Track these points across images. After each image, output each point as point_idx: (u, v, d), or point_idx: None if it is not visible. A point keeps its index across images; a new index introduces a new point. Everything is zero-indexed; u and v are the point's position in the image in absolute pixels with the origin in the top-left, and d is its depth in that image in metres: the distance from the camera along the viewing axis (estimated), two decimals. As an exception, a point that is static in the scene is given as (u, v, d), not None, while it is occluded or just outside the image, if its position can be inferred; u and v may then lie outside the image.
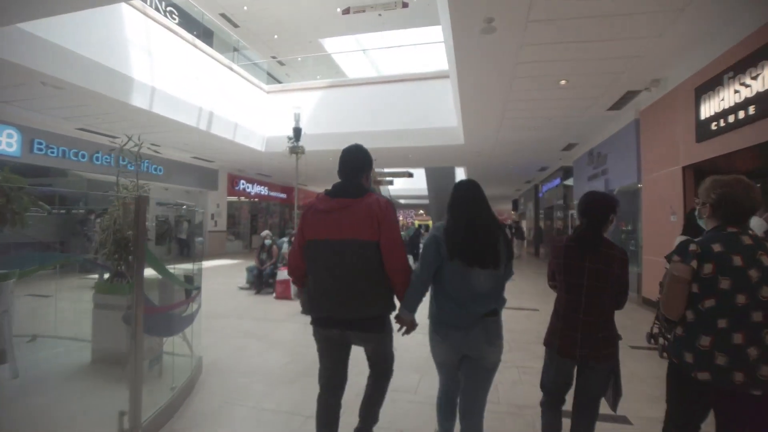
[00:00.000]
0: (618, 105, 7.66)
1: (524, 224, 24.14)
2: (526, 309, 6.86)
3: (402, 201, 33.49)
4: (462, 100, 7.92)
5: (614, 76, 6.30)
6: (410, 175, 15.39)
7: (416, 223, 32.15)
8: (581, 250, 2.15)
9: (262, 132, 12.90)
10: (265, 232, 8.21)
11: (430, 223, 28.01)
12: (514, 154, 12.81)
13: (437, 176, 18.91)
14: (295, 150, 8.11)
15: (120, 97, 8.01)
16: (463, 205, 2.09)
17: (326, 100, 12.41)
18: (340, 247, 1.98)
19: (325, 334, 2.12)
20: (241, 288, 8.18)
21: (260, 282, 7.70)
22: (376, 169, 16.94)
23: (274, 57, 18.62)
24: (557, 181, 14.45)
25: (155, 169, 13.24)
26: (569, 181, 13.64)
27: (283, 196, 22.32)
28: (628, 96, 7.18)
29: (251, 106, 12.40)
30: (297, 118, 8.19)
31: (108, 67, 7.59)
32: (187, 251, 15.75)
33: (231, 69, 11.45)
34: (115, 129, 10.40)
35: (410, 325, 2.17)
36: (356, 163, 2.19)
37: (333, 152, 13.09)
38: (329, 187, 2.17)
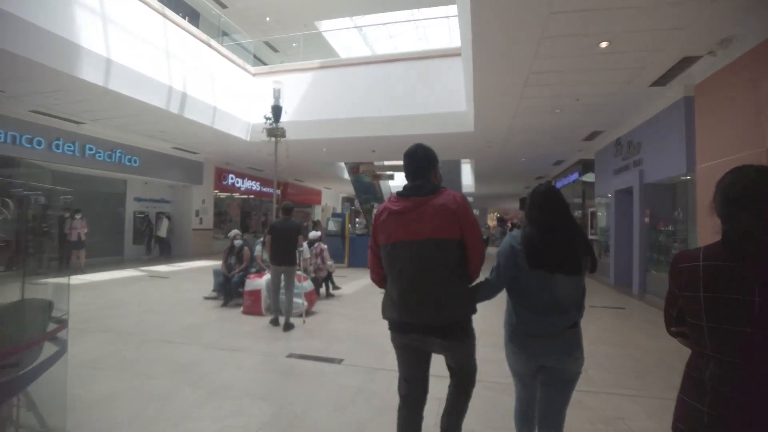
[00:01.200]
0: (664, 79, 6.29)
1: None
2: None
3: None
4: (476, 75, 6.59)
5: (669, 35, 4.94)
6: (412, 169, 14.16)
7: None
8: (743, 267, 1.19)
9: (247, 119, 11.56)
10: (234, 232, 6.88)
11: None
12: (528, 146, 11.45)
13: (442, 170, 17.49)
14: (274, 133, 6.78)
15: (66, 68, 6.71)
16: (544, 210, 1.94)
17: (318, 83, 11.06)
18: (417, 249, 1.92)
19: (403, 341, 2.04)
20: (207, 297, 6.86)
21: (228, 291, 6.37)
22: (375, 163, 15.57)
23: (266, 42, 17.29)
24: (574, 176, 13.07)
25: (129, 160, 11.93)
26: (588, 177, 12.27)
27: (278, 192, 20.95)
28: (682, 65, 5.82)
29: (234, 89, 11.07)
30: (277, 95, 6.86)
31: (48, 31, 6.28)
32: (168, 251, 14.49)
33: (209, 45, 10.11)
34: (76, 112, 9.11)
35: None
36: (421, 161, 2.11)
37: (326, 142, 11.85)
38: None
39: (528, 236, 1.91)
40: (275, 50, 17.12)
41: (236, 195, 19.48)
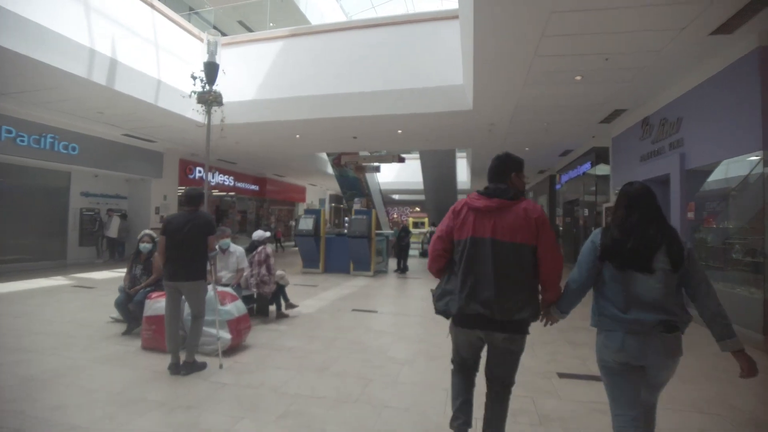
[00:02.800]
0: (732, 24, 4.61)
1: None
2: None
3: (396, 197, 30.40)
4: (477, 36, 4.97)
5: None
6: (401, 159, 12.38)
7: (410, 220, 29.11)
8: None
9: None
10: (145, 232, 5.02)
11: (426, 222, 24.84)
12: (535, 131, 9.78)
13: (434, 164, 15.88)
14: (205, 98, 5.03)
15: None
16: (636, 205, 1.95)
17: (289, 55, 9.31)
18: (498, 248, 2.00)
19: (468, 335, 2.14)
20: (113, 320, 5.07)
21: (128, 314, 4.55)
22: (360, 153, 13.83)
23: (240, 22, 15.53)
24: (585, 166, 11.41)
25: (65, 147, 10.10)
26: (601, 170, 10.62)
27: (254, 188, 19.18)
28: (756, 5, 4.16)
29: (188, 62, 9.27)
30: (212, 48, 5.11)
31: None
32: (119, 253, 12.66)
33: (152, 6, 8.31)
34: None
35: (555, 321, 2.19)
36: (503, 166, 2.21)
37: (299, 125, 9.93)
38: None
39: (607, 230, 1.97)
40: (249, 29, 15.36)
41: (215, 192, 17.69)
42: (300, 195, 23.32)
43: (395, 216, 37.46)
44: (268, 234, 5.72)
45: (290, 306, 5.59)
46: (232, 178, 17.38)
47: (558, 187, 15.03)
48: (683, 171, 6.42)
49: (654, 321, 1.80)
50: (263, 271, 5.16)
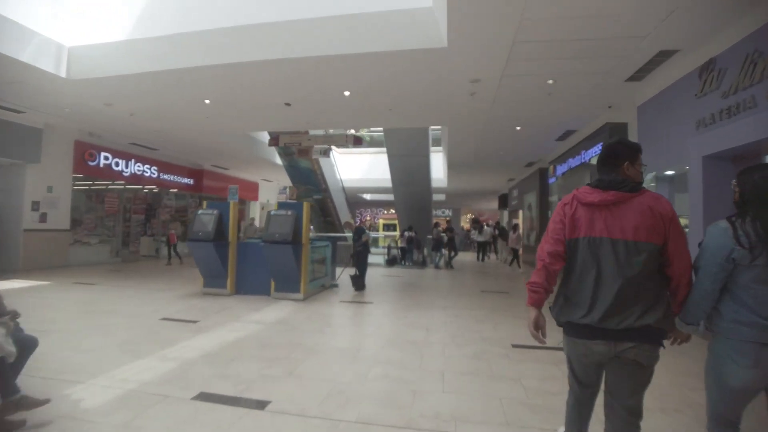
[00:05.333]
0: None
1: (518, 224, 18.55)
2: None
3: (367, 196, 27.45)
4: None
5: None
6: (358, 141, 9.46)
7: (381, 222, 26.22)
8: None
9: (61, 38, 6.70)
10: None
11: (396, 224, 21.79)
12: (532, 94, 7.08)
13: (404, 152, 13.02)
14: None
15: None
16: None
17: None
18: (620, 248, 1.75)
19: (587, 348, 1.84)
20: None
21: None
22: (311, 132, 10.79)
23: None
24: (594, 150, 8.74)
25: None
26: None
27: (188, 181, 15.91)
28: None
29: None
30: None
31: None
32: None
33: None
34: None
35: (686, 339, 1.89)
36: (613, 153, 1.89)
37: (199, 77, 6.36)
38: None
39: (757, 225, 1.65)
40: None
41: (148, 188, 14.43)
42: (251, 193, 20.08)
43: (368, 218, 34.48)
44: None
45: (20, 404, 2.48)
46: (155, 168, 14.09)
47: (552, 180, 12.40)
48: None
49: None
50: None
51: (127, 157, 12.83)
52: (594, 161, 8.85)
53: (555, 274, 1.86)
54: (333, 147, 16.24)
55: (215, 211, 6.77)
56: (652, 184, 7.27)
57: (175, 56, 6.32)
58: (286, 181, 19.91)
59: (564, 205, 1.89)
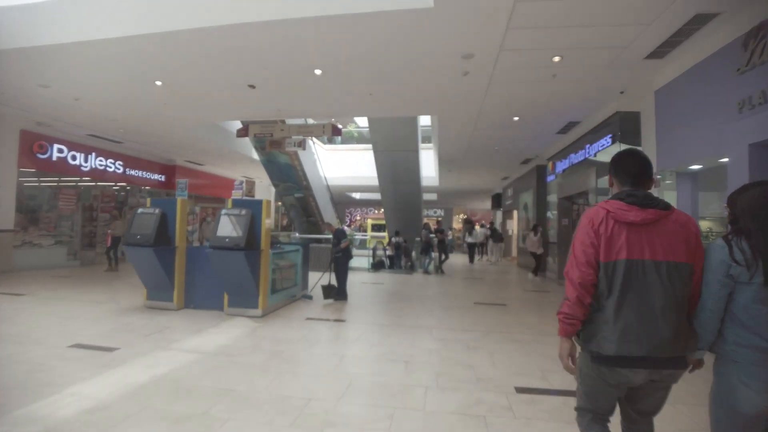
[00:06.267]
0: None
1: (513, 225, 17.66)
2: None
3: (356, 195, 26.36)
4: None
5: None
6: (336, 130, 8.34)
7: (369, 222, 25.14)
8: None
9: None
10: None
11: (384, 224, 20.65)
12: (534, 75, 6.05)
13: (390, 147, 11.95)
14: None
15: None
16: None
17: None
18: (665, 270, 1.63)
19: (623, 377, 1.67)
20: None
21: None
22: (288, 122, 9.66)
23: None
24: (601, 143, 7.74)
25: None
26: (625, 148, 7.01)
27: (159, 178, 14.71)
28: None
29: None
30: None
31: None
32: None
33: None
34: None
35: (698, 365, 1.79)
36: (649, 166, 1.79)
37: (140, 45, 5.10)
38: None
39: (755, 239, 1.60)
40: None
41: (120, 185, 13.19)
42: (230, 191, 18.86)
43: (358, 218, 33.39)
44: None
45: None
46: (120, 163, 12.90)
47: (551, 178, 11.41)
48: None
49: None
50: None
51: (86, 150, 11.63)
52: (600, 156, 7.88)
53: (589, 304, 1.71)
54: (314, 140, 15.17)
55: (157, 210, 5.66)
56: (668, 182, 6.32)
57: (109, 22, 5.21)
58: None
59: (595, 223, 1.71)
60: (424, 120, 13.07)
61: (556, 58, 5.47)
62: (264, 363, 3.77)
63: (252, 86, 6.85)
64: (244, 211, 5.33)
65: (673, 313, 1.62)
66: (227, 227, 5.24)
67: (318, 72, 6.14)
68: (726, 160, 4.54)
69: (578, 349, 1.77)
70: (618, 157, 1.84)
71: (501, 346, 4.51)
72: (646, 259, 1.63)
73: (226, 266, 5.25)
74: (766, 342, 1.53)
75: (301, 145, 8.64)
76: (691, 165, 5.52)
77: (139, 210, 5.77)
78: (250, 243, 5.18)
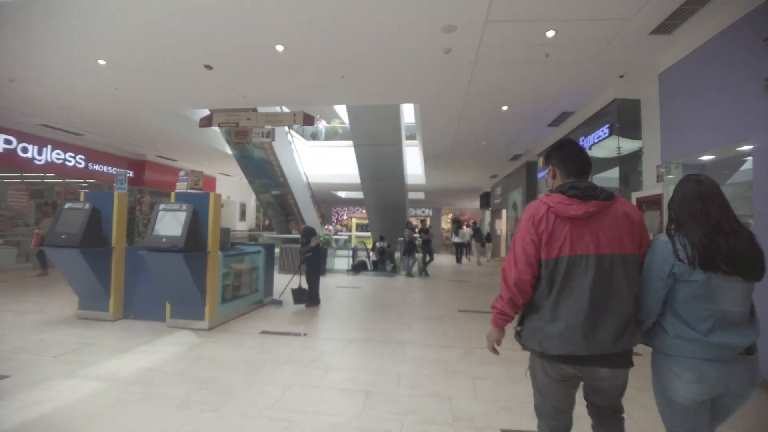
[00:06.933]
0: None
1: (501, 225, 17.07)
2: None
3: (342, 194, 25.57)
4: None
5: None
6: (310, 120, 7.55)
7: (353, 221, 24.35)
8: None
9: None
10: None
11: (368, 226, 19.91)
12: (526, 54, 5.34)
13: (371, 141, 11.19)
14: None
15: None
16: (709, 200, 1.58)
17: None
18: (605, 265, 1.58)
19: (565, 373, 1.65)
20: None
21: None
22: (260, 111, 8.85)
23: None
24: (598, 134, 7.08)
25: None
26: (627, 144, 6.40)
27: (128, 173, 13.71)
28: None
29: None
30: None
31: None
32: None
33: None
34: None
35: None
36: (587, 157, 1.77)
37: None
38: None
39: (692, 233, 1.57)
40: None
41: (89, 181, 12.20)
42: (208, 189, 17.96)
43: (345, 217, 32.58)
44: None
45: None
46: (81, 157, 11.95)
47: (542, 174, 10.78)
48: None
49: (743, 344, 1.53)
50: None
51: (40, 143, 10.67)
52: (596, 150, 7.23)
53: (522, 305, 1.69)
54: (292, 133, 14.34)
55: (87, 205, 4.82)
56: (670, 176, 5.68)
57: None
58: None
59: (536, 219, 1.63)
60: (409, 116, 12.35)
61: (550, 33, 4.77)
62: (186, 396, 2.99)
63: (208, 66, 6.04)
64: (184, 206, 4.52)
65: (618, 306, 1.56)
66: (167, 225, 4.43)
67: (279, 48, 5.35)
68: (748, 147, 3.88)
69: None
70: (561, 147, 1.76)
71: (485, 369, 3.78)
72: (590, 254, 1.57)
73: (163, 271, 4.44)
74: (701, 335, 1.53)
75: (269, 135, 7.83)
76: (702, 155, 4.86)
77: (66, 205, 4.92)
78: (192, 244, 4.38)
